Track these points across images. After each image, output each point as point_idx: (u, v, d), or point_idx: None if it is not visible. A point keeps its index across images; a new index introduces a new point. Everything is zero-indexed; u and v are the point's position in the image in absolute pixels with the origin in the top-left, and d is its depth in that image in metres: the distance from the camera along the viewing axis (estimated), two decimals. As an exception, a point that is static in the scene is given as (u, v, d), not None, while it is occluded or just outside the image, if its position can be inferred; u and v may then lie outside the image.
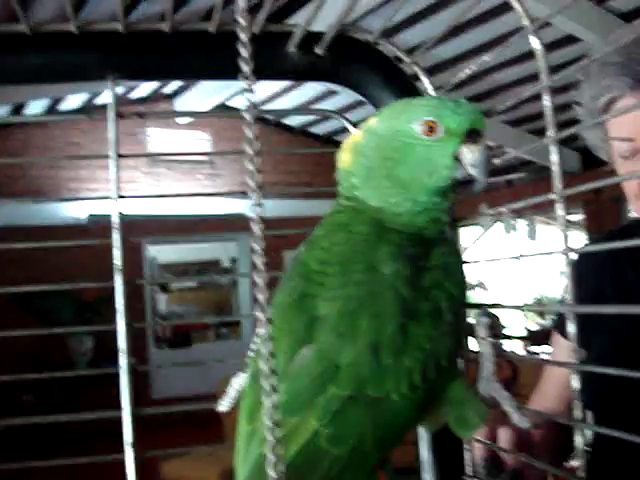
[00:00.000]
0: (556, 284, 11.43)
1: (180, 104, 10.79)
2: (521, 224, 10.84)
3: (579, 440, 0.79)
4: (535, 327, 12.27)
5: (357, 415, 0.76)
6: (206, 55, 1.06)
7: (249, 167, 0.58)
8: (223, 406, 0.96)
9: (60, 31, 1.02)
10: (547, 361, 1.47)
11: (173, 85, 10.50)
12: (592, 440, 1.62)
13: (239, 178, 11.17)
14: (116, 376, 1.04)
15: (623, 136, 1.31)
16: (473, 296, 13.38)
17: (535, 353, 10.49)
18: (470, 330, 0.88)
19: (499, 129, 9.49)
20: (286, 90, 9.86)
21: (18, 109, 9.53)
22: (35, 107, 9.54)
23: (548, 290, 12.84)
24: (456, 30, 7.44)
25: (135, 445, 1.02)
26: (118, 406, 1.03)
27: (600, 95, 1.31)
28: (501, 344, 11.58)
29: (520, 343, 11.47)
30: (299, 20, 1.02)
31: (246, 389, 0.87)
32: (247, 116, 0.59)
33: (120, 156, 1.06)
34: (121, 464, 1.01)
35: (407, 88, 1.11)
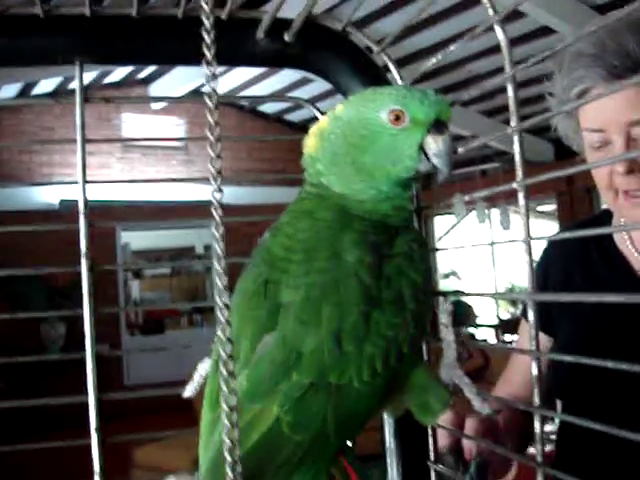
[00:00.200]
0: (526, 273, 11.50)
1: (155, 89, 10.70)
2: (494, 214, 10.90)
3: (537, 426, 0.80)
4: (507, 316, 12.39)
5: (319, 402, 0.76)
6: (173, 40, 1.05)
7: (210, 153, 0.58)
8: (188, 392, 0.96)
9: (26, 14, 1.01)
10: (509, 348, 1.48)
11: (148, 70, 10.41)
12: (558, 428, 1.64)
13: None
14: (84, 361, 1.04)
15: (594, 127, 1.32)
16: (447, 285, 13.46)
17: (507, 342, 10.59)
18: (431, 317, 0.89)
19: (475, 119, 9.54)
20: (262, 77, 9.83)
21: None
22: (8, 91, 9.42)
23: (519, 279, 12.94)
24: (430, 21, 7.47)
25: (101, 430, 1.02)
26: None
27: (573, 86, 1.32)
28: (473, 333, 11.67)
29: (492, 332, 11.58)
30: (271, 7, 1.02)
31: (210, 376, 0.88)
32: (209, 102, 0.60)
33: (87, 141, 1.05)
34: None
35: (377, 78, 1.11)
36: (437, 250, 1.11)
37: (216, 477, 0.75)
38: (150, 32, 1.05)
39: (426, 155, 0.83)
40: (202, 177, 0.71)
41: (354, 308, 0.77)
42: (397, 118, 0.83)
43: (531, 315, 0.79)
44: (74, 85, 1.06)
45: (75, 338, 9.79)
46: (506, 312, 12.67)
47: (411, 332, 0.81)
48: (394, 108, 0.83)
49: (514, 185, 0.78)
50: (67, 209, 8.83)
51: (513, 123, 0.79)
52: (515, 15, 6.87)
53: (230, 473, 0.51)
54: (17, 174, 10.36)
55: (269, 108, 11.77)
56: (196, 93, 9.96)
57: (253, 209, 9.12)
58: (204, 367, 0.95)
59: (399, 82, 1.09)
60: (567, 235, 0.71)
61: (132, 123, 11.31)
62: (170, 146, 11.45)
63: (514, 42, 7.42)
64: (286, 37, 1.06)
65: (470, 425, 1.22)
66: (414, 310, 0.81)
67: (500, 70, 0.80)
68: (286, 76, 9.58)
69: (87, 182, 1.06)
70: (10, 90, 9.43)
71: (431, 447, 1.07)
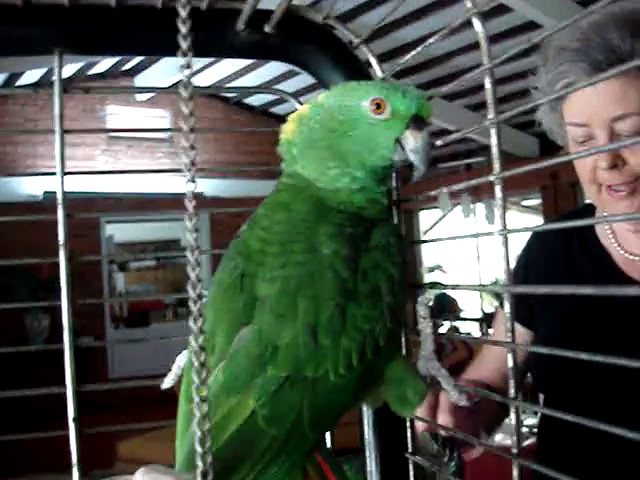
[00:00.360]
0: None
1: (140, 81, 10.65)
2: (480, 208, 10.93)
3: (513, 418, 0.81)
4: (491, 309, 12.42)
5: (294, 395, 0.76)
6: (152, 31, 1.04)
7: (184, 144, 0.57)
8: (166, 383, 0.96)
9: (4, 4, 1.00)
10: (485, 340, 1.49)
11: (133, 62, 10.36)
12: (540, 421, 1.65)
13: (199, 157, 11.07)
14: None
15: (577, 122, 1.32)
16: (432, 279, 13.49)
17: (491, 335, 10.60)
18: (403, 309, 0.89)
19: (459, 113, 9.55)
20: (249, 69, 9.79)
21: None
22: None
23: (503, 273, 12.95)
24: (415, 15, 7.47)
25: (78, 421, 1.02)
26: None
27: (557, 80, 1.32)
28: (457, 326, 11.70)
29: (476, 325, 11.60)
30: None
31: (186, 369, 0.88)
32: (183, 92, 0.59)
33: (65, 131, 1.04)
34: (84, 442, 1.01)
35: (359, 71, 1.11)
36: (415, 242, 1.11)
37: (192, 469, 0.75)
38: (129, 22, 1.04)
39: (403, 149, 0.83)
40: (176, 169, 0.70)
41: (330, 301, 0.77)
42: (378, 107, 0.83)
43: (507, 307, 0.80)
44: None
45: (59, 330, 9.68)
46: (490, 306, 12.70)
47: (387, 325, 0.81)
48: (376, 97, 0.83)
49: (491, 178, 0.78)
50: (50, 201, 8.76)
51: (490, 115, 0.79)
52: (501, 10, 6.87)
53: (201, 464, 0.51)
54: (1, 165, 10.29)
55: (255, 101, 11.73)
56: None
57: (239, 202, 9.11)
58: (182, 359, 0.95)
59: (379, 74, 1.08)
60: (545, 227, 0.71)
61: (117, 115, 11.24)
62: (155, 138, 11.40)
63: (500, 37, 7.43)
64: (266, 28, 1.06)
65: (444, 399, 1.22)
66: (390, 303, 0.81)
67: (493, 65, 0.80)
68: (273, 69, 9.55)
69: (66, 173, 1.05)
70: (-6, 81, 9.38)
71: (409, 439, 1.08)
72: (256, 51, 1.11)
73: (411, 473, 1.06)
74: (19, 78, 9.67)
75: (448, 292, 11.60)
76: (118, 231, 12.43)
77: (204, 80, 9.58)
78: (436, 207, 11.21)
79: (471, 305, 12.76)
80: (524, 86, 1.57)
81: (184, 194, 0.55)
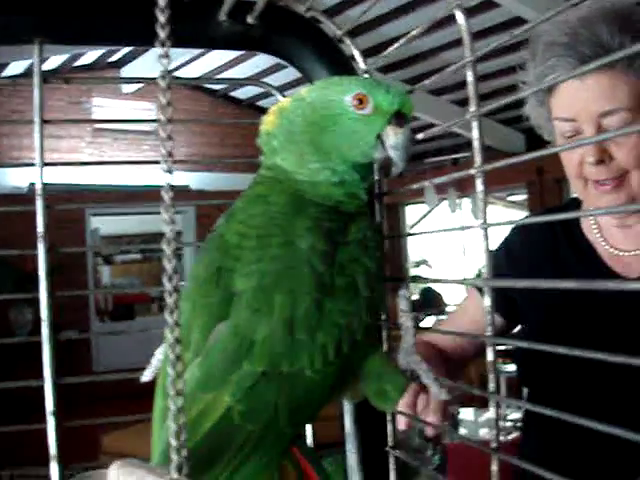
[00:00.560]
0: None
1: (127, 73, 10.59)
2: (466, 203, 10.97)
3: (492, 411, 0.81)
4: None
5: (270, 391, 0.76)
6: (132, 20, 1.03)
7: (161, 134, 0.57)
8: (145, 376, 0.95)
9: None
10: (463, 334, 1.49)
11: (120, 53, 10.30)
12: (524, 415, 1.66)
13: (184, 150, 11.07)
14: (54, 347, 1.03)
15: (565, 117, 1.33)
16: (418, 273, 13.51)
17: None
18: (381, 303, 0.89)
19: (446, 108, 9.56)
20: (237, 61, 9.76)
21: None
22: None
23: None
24: (402, 10, 7.46)
25: (57, 414, 1.01)
26: (57, 375, 1.02)
27: (545, 75, 1.32)
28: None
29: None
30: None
31: (162, 364, 0.87)
32: (161, 82, 0.58)
33: (44, 122, 1.03)
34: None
35: (343, 65, 1.11)
36: (398, 236, 1.11)
37: (167, 463, 0.75)
38: (110, 12, 1.03)
39: (383, 145, 0.83)
40: (155, 160, 0.69)
41: (306, 296, 0.77)
42: (360, 102, 0.83)
43: (487, 301, 0.79)
44: (44, 67, 1.04)
45: (43, 323, 9.69)
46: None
47: (365, 320, 0.81)
48: (358, 92, 0.83)
49: (472, 171, 0.78)
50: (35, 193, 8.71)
51: (472, 109, 0.79)
52: (488, 5, 6.88)
53: (175, 457, 0.51)
54: (-14, 157, 10.24)
55: (242, 94, 11.70)
56: (170, 77, 9.85)
57: (225, 194, 9.08)
58: (162, 352, 0.94)
59: (362, 67, 1.08)
60: (524, 221, 0.71)
61: (103, 107, 11.18)
62: (141, 130, 11.33)
63: (487, 32, 7.43)
64: (249, 19, 1.05)
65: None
66: (368, 297, 0.81)
67: (477, 59, 0.80)
68: (260, 62, 9.52)
69: (45, 164, 1.04)
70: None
71: (390, 433, 1.08)
72: (238, 42, 1.10)
73: (391, 467, 1.06)
74: (4, 69, 9.60)
75: (433, 286, 11.64)
76: (103, 224, 12.38)
77: (191, 72, 9.54)
78: (423, 202, 11.24)
79: (456, 299, 12.80)
80: (511, 82, 1.57)
81: (173, 186, 0.54)
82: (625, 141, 1.26)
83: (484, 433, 4.67)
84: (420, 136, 0.94)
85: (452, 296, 12.56)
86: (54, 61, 9.49)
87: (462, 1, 0.80)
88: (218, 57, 9.26)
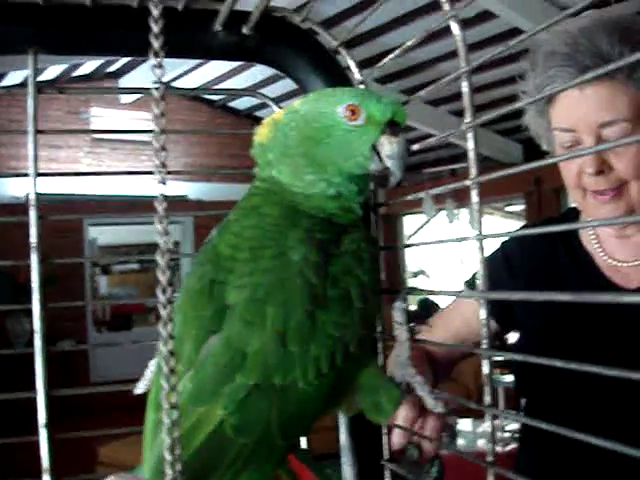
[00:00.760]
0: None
1: (126, 82, 10.60)
2: (464, 214, 10.95)
3: (488, 424, 0.80)
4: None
5: (263, 404, 0.75)
6: (127, 30, 1.03)
7: (154, 144, 0.57)
8: (139, 388, 0.94)
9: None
10: (458, 345, 1.48)
11: (118, 64, 10.31)
12: (521, 426, 1.65)
13: (182, 160, 11.07)
14: (50, 358, 1.03)
15: (565, 127, 1.33)
16: (416, 284, 13.51)
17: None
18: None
19: (444, 119, 9.57)
20: (234, 72, 9.77)
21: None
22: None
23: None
24: (400, 21, 7.48)
25: (50, 427, 1.00)
26: (53, 386, 1.02)
27: (544, 85, 1.32)
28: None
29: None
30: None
31: (154, 377, 0.86)
32: (155, 93, 0.58)
33: (38, 132, 1.03)
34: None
35: (339, 76, 1.10)
36: (394, 248, 1.11)
37: (160, 477, 0.74)
38: (105, 22, 1.02)
39: (379, 156, 0.83)
40: (149, 171, 0.69)
41: (299, 308, 0.76)
42: (353, 113, 0.82)
43: (483, 313, 0.79)
44: (42, 77, 1.03)
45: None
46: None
47: (358, 332, 0.80)
48: (351, 104, 0.83)
49: (467, 182, 0.77)
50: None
51: (468, 119, 0.78)
52: (486, 17, 6.90)
53: (170, 472, 0.50)
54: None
55: (240, 104, 11.70)
56: (168, 87, 9.86)
57: (223, 205, 9.08)
58: (154, 364, 0.93)
59: (358, 77, 1.08)
60: (518, 233, 0.70)
61: (101, 117, 11.17)
62: (139, 141, 11.31)
63: (484, 44, 7.45)
64: (244, 30, 1.05)
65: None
66: (361, 309, 0.80)
67: (473, 70, 0.80)
68: (258, 73, 9.54)
69: (39, 174, 1.04)
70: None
71: (385, 446, 1.07)
72: (233, 52, 1.10)
73: (387, 480, 1.05)
74: (2, 79, 9.61)
75: (431, 297, 11.62)
76: (101, 234, 12.36)
77: (189, 83, 9.55)
78: (421, 212, 11.23)
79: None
80: (508, 92, 1.57)
81: (167, 197, 0.54)
82: (624, 152, 1.26)
83: (482, 444, 4.66)
84: (417, 147, 0.94)
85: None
86: (52, 71, 9.50)
87: (457, 12, 0.80)
88: (216, 68, 9.28)
